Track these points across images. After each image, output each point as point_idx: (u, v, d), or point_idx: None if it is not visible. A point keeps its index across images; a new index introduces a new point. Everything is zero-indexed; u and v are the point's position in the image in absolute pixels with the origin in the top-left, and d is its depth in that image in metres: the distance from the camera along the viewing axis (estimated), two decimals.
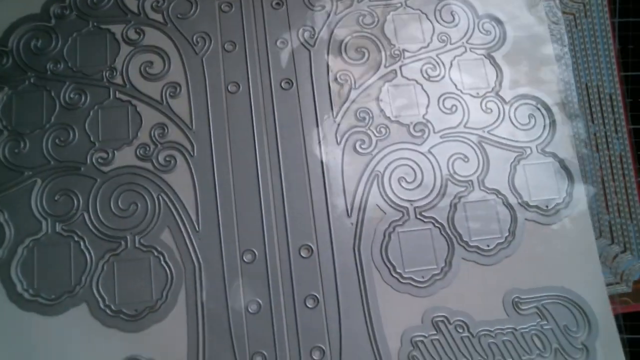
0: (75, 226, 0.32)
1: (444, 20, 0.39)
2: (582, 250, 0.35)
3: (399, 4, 0.39)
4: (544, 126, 0.37)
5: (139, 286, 0.31)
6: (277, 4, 0.38)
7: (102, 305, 0.30)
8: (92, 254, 0.31)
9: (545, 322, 0.33)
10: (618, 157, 0.39)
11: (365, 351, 0.32)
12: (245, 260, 0.33)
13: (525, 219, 0.35)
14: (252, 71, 0.36)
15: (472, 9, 0.39)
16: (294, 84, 0.36)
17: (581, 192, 0.36)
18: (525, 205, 0.35)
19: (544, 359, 0.32)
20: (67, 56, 0.35)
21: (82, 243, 0.31)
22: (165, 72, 0.35)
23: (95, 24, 0.36)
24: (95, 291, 0.31)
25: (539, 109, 0.37)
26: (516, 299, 0.33)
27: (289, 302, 0.32)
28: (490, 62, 0.38)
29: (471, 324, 0.32)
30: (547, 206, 0.35)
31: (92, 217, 0.32)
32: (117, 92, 0.35)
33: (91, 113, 0.34)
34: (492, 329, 0.33)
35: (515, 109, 0.37)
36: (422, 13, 0.39)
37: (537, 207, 0.35)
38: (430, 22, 0.39)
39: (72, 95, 0.34)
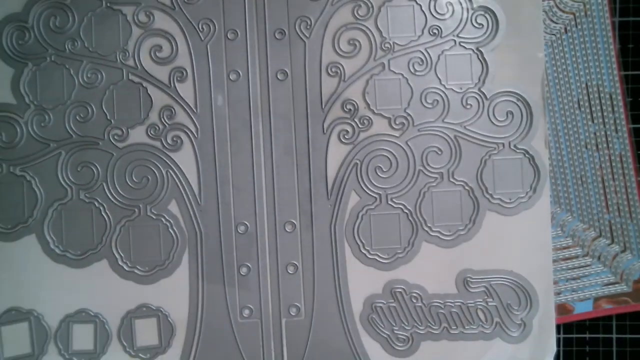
0: (96, 194, 0.38)
1: (437, 12, 0.40)
2: (536, 242, 0.39)
3: None
4: (520, 123, 0.40)
5: (150, 247, 0.38)
6: None
7: (119, 262, 0.37)
8: (111, 218, 0.38)
9: (491, 300, 0.39)
10: (618, 156, 0.40)
11: (333, 311, 0.38)
12: (239, 231, 0.39)
13: (488, 210, 0.40)
14: (251, 61, 0.39)
15: (467, 0, 0.41)
16: (289, 75, 0.39)
17: (545, 188, 0.40)
18: (490, 197, 0.40)
19: (485, 330, 0.39)
20: (83, 36, 0.38)
21: (102, 209, 0.37)
22: (173, 56, 0.39)
23: (107, 4, 0.39)
24: (114, 250, 0.37)
25: (518, 105, 0.40)
26: (468, 278, 0.39)
27: (273, 268, 0.39)
28: (478, 56, 0.40)
29: (425, 296, 0.39)
30: (510, 199, 0.39)
31: (110, 187, 0.38)
32: (129, 74, 0.39)
33: (107, 92, 0.38)
34: (442, 302, 0.39)
35: (495, 105, 0.40)
36: (417, 4, 0.40)
37: (500, 199, 0.40)
38: (424, 13, 0.40)
39: (89, 75, 0.38)
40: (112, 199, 0.38)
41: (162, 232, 0.38)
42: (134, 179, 0.38)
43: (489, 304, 0.39)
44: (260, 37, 0.40)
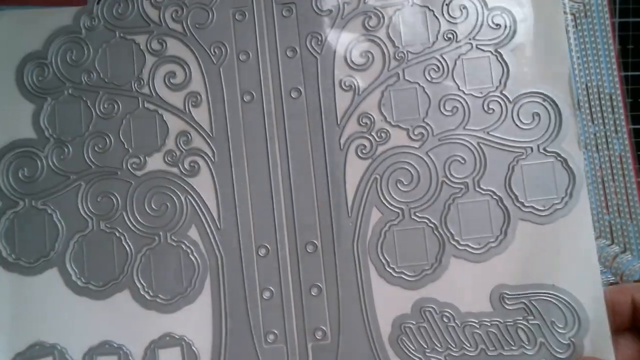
0: (116, 224, 0.38)
1: (451, 16, 0.39)
2: (579, 251, 0.36)
3: (406, 1, 0.39)
4: (549, 124, 0.38)
5: (171, 275, 0.37)
6: (287, 10, 0.40)
7: (141, 291, 0.37)
8: (132, 247, 0.37)
9: (532, 317, 0.36)
10: (618, 157, 0.39)
11: (360, 333, 0.37)
12: (260, 254, 0.38)
13: (520, 219, 0.37)
14: (264, 81, 0.39)
15: (481, 1, 0.39)
16: (302, 93, 0.39)
17: (583, 192, 0.37)
18: (521, 206, 0.37)
19: (528, 351, 0.36)
20: (98, 67, 0.39)
21: (123, 239, 0.37)
22: (187, 82, 0.39)
23: (121, 34, 0.39)
24: (135, 279, 0.37)
25: (544, 106, 0.38)
26: (503, 294, 0.36)
27: (296, 290, 0.37)
28: (497, 58, 0.39)
29: (457, 315, 0.36)
30: (543, 206, 0.37)
31: (130, 216, 0.38)
32: (145, 102, 0.39)
33: (123, 122, 0.39)
34: (477, 321, 0.36)
35: (519, 108, 0.38)
36: (430, 10, 0.39)
37: (532, 207, 0.37)
38: (437, 18, 0.39)
39: (106, 105, 0.39)
40: (133, 228, 0.38)
41: (183, 258, 0.38)
42: (153, 206, 0.38)
43: (530, 322, 0.36)
44: (271, 56, 0.39)
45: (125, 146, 0.38)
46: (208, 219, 0.38)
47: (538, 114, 0.37)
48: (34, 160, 0.38)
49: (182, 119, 0.39)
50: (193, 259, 0.38)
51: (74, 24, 0.39)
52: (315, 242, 0.38)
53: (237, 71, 0.39)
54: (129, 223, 0.38)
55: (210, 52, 0.39)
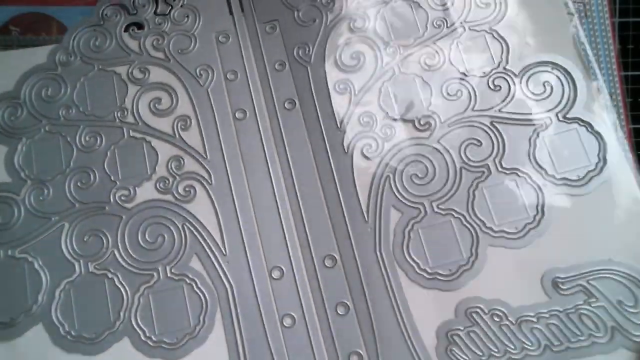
0: (107, 264, 0.33)
1: (437, 4, 0.38)
2: (628, 214, 0.32)
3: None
4: (563, 91, 0.35)
5: (176, 314, 0.32)
6: (271, 27, 0.39)
7: (143, 338, 0.32)
8: (127, 288, 0.33)
9: (594, 300, 0.31)
10: None
11: (402, 351, 0.31)
12: (274, 276, 0.33)
13: (555, 194, 0.33)
14: (255, 97, 0.37)
15: None
16: (296, 103, 0.37)
17: (616, 152, 0.34)
18: (553, 179, 0.34)
19: (599, 339, 0.31)
20: (77, 101, 0.37)
21: (115, 279, 0.33)
22: (174, 106, 0.37)
23: (100, 67, 0.38)
24: (135, 325, 0.32)
25: (553, 73, 0.36)
26: (556, 279, 0.32)
27: (321, 312, 0.32)
28: (493, 36, 0.37)
29: (509, 311, 0.31)
30: (578, 176, 0.34)
31: (122, 253, 0.34)
32: (130, 131, 0.36)
33: (108, 153, 0.36)
34: (533, 314, 0.31)
35: (527, 80, 0.36)
36: (414, 2, 0.38)
37: (565, 179, 0.34)
38: (423, 9, 0.38)
39: (87, 139, 0.36)
40: (127, 266, 0.33)
41: (188, 293, 0.33)
42: (148, 239, 0.34)
43: (594, 305, 0.31)
44: (260, 72, 0.38)
45: (112, 178, 0.35)
46: (211, 245, 0.34)
47: (549, 83, 0.35)
48: (8, 205, 0.34)
49: (172, 144, 0.36)
50: (199, 292, 0.33)
51: (49, 62, 0.38)
52: (334, 254, 0.34)
53: (226, 91, 0.37)
54: (121, 261, 0.33)
55: (196, 75, 0.38)
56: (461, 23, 0.37)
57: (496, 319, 0.31)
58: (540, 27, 0.36)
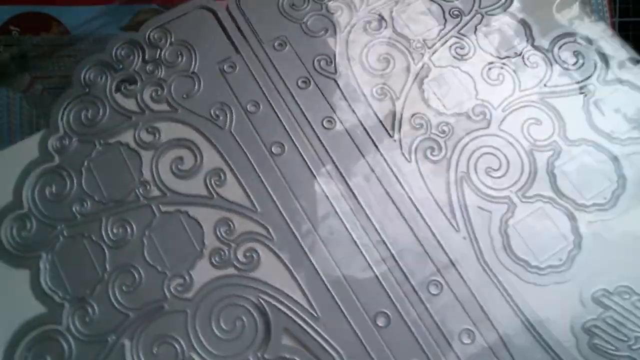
0: None
1: None
2: None
3: None
4: (594, 58, 0.35)
5: None
6: (279, 44, 0.34)
7: None
8: None
9: None
10: None
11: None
12: (380, 324, 0.29)
13: (627, 154, 0.32)
14: (287, 124, 0.32)
15: None
16: (335, 120, 0.32)
17: None
18: (619, 141, 0.33)
19: None
20: (89, 190, 0.30)
21: None
22: (200, 162, 0.31)
23: (101, 141, 0.31)
24: None
25: (580, 43, 0.35)
26: None
27: (445, 348, 0.28)
28: (510, 18, 0.36)
29: (636, 285, 0.30)
30: None
31: (202, 354, 0.27)
32: (160, 206, 0.30)
33: (145, 241, 0.29)
34: None
35: (559, 52, 0.35)
36: None
37: (631, 138, 0.33)
38: (436, 2, 0.36)
39: (115, 231, 0.29)
40: None
41: None
42: (225, 328, 0.28)
43: None
44: (284, 94, 0.33)
45: (159, 269, 0.28)
46: (298, 312, 0.28)
47: (579, 52, 0.35)
48: (54, 340, 0.26)
49: (213, 206, 0.30)
50: None
51: (42, 153, 0.30)
52: (436, 279, 0.30)
53: (252, 126, 0.32)
54: None
55: (213, 117, 0.32)
56: (477, 10, 0.36)
57: (625, 296, 0.29)
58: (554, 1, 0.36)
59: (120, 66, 0.32)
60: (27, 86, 0.40)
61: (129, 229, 0.29)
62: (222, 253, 0.29)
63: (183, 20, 0.33)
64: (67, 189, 0.29)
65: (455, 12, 0.36)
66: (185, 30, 0.33)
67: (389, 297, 0.29)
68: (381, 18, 0.35)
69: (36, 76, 0.40)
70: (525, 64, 0.35)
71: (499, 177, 0.32)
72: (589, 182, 0.32)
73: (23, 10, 0.39)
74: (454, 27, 0.35)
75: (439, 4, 0.36)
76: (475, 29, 0.35)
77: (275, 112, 0.32)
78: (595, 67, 0.35)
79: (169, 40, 0.33)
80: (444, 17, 0.36)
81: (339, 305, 0.29)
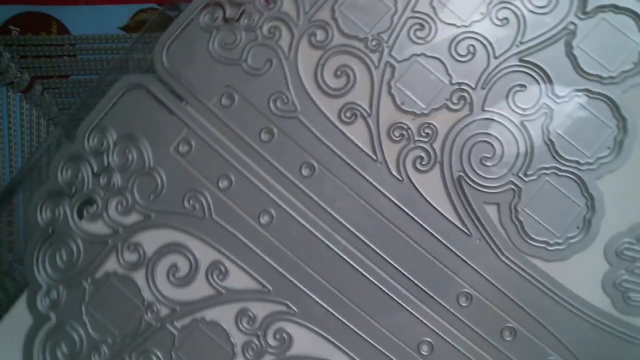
0: None
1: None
2: None
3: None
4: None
5: None
6: (227, 98, 0.30)
7: None
8: None
9: None
10: None
11: (586, 329, 0.29)
12: (425, 352, 0.29)
13: (622, 92, 0.30)
14: (267, 187, 0.30)
15: None
16: (313, 163, 0.30)
17: None
18: (611, 80, 0.30)
19: None
20: (98, 336, 0.29)
21: None
22: (195, 264, 0.29)
23: (89, 280, 0.29)
24: None
25: None
26: None
27: (491, 351, 0.29)
28: None
29: None
30: (634, 62, 0.30)
31: None
32: (175, 323, 0.29)
33: None
34: None
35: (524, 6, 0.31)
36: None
37: (624, 72, 0.30)
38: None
39: None
40: None
41: None
42: None
43: None
44: (252, 156, 0.30)
45: None
46: None
47: None
48: None
49: (226, 302, 0.29)
50: None
51: (36, 317, 0.28)
52: (464, 290, 0.30)
53: (231, 203, 0.30)
54: None
55: (190, 210, 0.30)
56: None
57: None
58: None
59: (73, 189, 0.29)
60: (27, 86, 0.40)
61: (155, 358, 0.28)
62: (253, 345, 0.29)
63: (116, 112, 0.29)
64: (78, 344, 0.28)
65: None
66: (123, 122, 0.29)
67: (425, 324, 0.29)
68: (325, 24, 0.30)
69: (36, 76, 0.40)
70: (494, 22, 0.31)
71: (497, 164, 0.30)
72: (588, 136, 0.30)
73: (23, 10, 0.40)
74: (406, 6, 0.31)
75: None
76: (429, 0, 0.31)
77: (250, 180, 0.30)
78: (572, 1, 0.31)
79: (110, 141, 0.29)
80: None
81: (383, 351, 0.29)
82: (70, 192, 0.28)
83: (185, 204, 0.29)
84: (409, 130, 0.30)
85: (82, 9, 0.40)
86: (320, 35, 0.30)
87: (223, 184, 0.30)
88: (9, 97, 0.40)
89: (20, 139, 0.41)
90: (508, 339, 0.29)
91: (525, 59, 0.30)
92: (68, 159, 0.29)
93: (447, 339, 0.29)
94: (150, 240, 0.29)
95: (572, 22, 0.30)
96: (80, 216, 0.29)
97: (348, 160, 0.30)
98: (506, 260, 0.30)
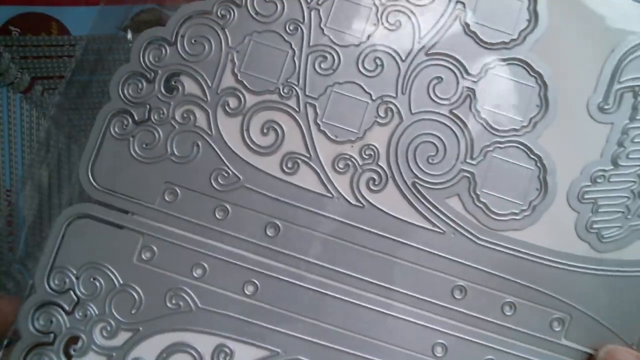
0: None
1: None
2: None
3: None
4: None
5: None
6: (170, 194, 0.30)
7: None
8: None
9: None
10: None
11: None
12: (439, 354, 0.30)
13: (529, 50, 0.31)
14: (239, 260, 0.30)
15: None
16: (274, 221, 0.30)
17: None
18: (514, 44, 0.31)
19: None
20: None
21: None
22: (198, 356, 0.30)
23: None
24: None
25: None
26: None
27: (496, 329, 0.31)
28: None
29: (603, 164, 0.31)
30: (526, 19, 0.31)
31: None
32: None
33: None
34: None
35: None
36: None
37: (522, 31, 0.31)
38: (258, 19, 0.31)
39: None
40: None
41: None
42: None
43: None
44: (215, 237, 0.30)
45: None
46: None
47: None
48: None
49: None
50: None
51: None
52: (457, 284, 0.31)
53: (213, 287, 0.30)
54: None
55: (175, 310, 0.30)
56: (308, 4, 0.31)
57: (600, 180, 0.31)
58: None
59: (52, 336, 0.29)
60: (27, 87, 0.40)
61: None
62: None
63: (66, 248, 0.29)
64: None
65: (292, 27, 0.31)
66: (77, 255, 0.29)
67: (432, 328, 0.30)
68: (233, 90, 0.31)
69: (36, 77, 0.40)
70: (388, 29, 0.31)
71: (443, 159, 0.31)
72: (514, 101, 0.31)
73: (23, 10, 0.39)
74: (302, 45, 0.31)
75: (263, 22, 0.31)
76: (320, 20, 0.31)
77: (222, 259, 0.30)
78: None
79: (72, 276, 0.29)
80: (284, 36, 0.31)
81: None
82: (49, 339, 0.28)
83: (169, 304, 0.30)
84: (352, 159, 0.31)
85: (82, 9, 0.40)
86: (233, 102, 0.31)
87: (197, 272, 0.30)
88: (9, 98, 0.40)
89: (20, 139, 0.40)
90: (509, 313, 0.31)
91: (431, 52, 0.31)
92: (36, 309, 0.29)
93: (456, 333, 0.30)
94: (148, 350, 0.29)
95: (458, 1, 0.31)
96: (69, 357, 0.29)
97: (307, 207, 0.30)
98: (484, 243, 0.31)
